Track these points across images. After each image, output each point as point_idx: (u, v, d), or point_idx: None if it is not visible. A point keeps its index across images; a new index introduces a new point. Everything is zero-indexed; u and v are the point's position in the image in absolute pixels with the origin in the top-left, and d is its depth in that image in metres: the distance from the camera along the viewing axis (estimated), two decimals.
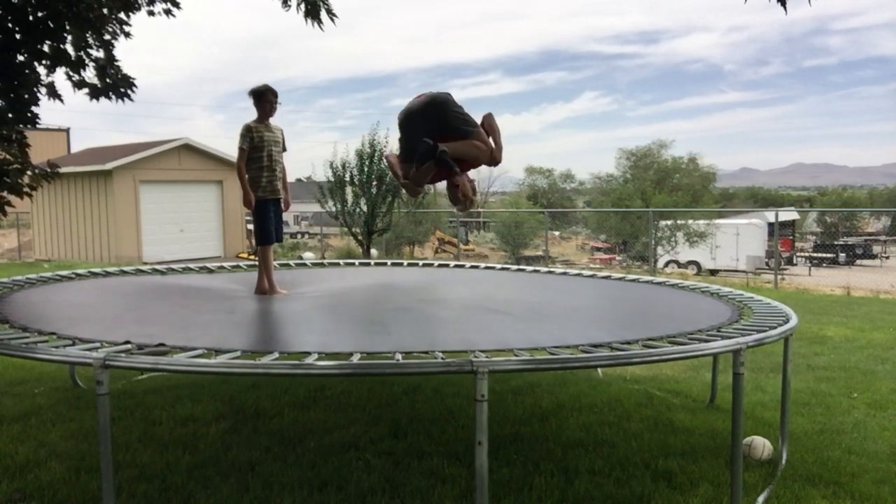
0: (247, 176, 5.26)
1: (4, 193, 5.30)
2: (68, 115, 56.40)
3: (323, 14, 5.95)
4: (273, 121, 5.35)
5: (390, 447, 4.08)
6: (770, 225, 24.49)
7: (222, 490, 3.46)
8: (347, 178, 16.54)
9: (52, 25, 5.28)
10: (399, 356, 3.07)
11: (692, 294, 5.35)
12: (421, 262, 8.65)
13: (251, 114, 5.24)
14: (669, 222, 22.09)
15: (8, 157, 5.36)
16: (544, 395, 5.27)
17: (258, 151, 5.23)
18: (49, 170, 5.61)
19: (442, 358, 3.01)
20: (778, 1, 3.84)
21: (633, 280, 6.36)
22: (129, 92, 5.87)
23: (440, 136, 3.66)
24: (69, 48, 5.51)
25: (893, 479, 3.75)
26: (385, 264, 7.86)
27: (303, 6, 5.89)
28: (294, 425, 4.50)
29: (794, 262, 27.26)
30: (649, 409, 5.00)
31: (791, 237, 30.20)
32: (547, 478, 3.64)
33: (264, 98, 5.23)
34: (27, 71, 5.23)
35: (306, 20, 5.93)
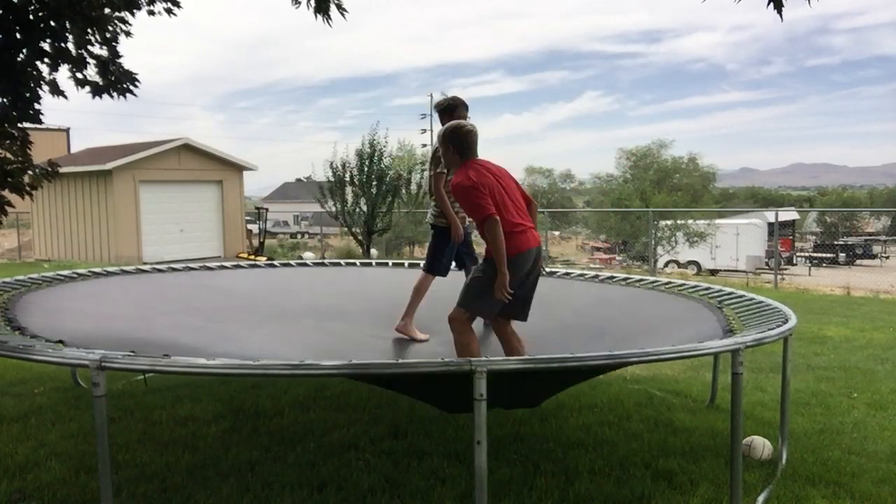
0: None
1: (6, 193, 5.29)
2: (68, 115, 56.52)
3: (332, 10, 5.76)
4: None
5: (390, 447, 4.07)
6: (770, 225, 24.50)
7: (222, 490, 3.46)
8: (347, 178, 16.55)
9: (53, 24, 5.27)
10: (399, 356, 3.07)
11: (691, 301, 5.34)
12: (422, 262, 8.62)
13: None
14: (669, 222, 22.10)
15: (9, 155, 5.35)
16: None
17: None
18: (50, 169, 5.61)
19: (442, 358, 3.01)
20: (775, 8, 3.80)
21: (635, 281, 6.35)
22: (131, 87, 5.82)
23: None
24: (70, 46, 5.49)
25: (893, 479, 3.75)
26: (386, 264, 7.85)
27: (312, 1, 5.74)
28: (294, 425, 4.50)
29: (794, 262, 27.28)
30: (649, 409, 4.99)
31: (791, 237, 30.20)
32: (547, 478, 3.64)
33: (458, 113, 4.60)
34: (29, 69, 5.21)
35: (316, 16, 5.77)
